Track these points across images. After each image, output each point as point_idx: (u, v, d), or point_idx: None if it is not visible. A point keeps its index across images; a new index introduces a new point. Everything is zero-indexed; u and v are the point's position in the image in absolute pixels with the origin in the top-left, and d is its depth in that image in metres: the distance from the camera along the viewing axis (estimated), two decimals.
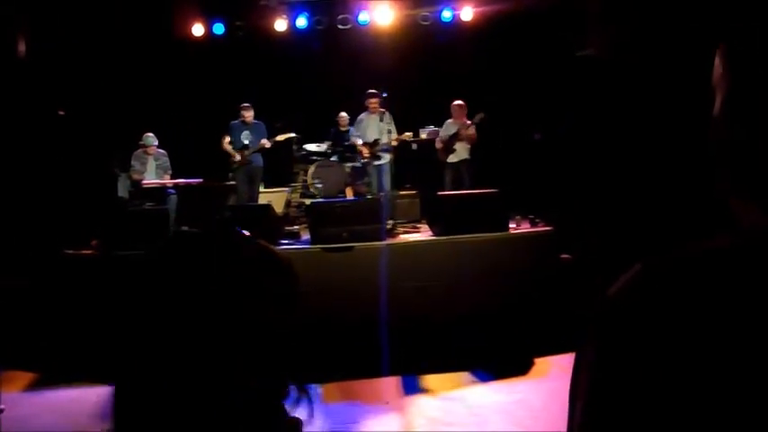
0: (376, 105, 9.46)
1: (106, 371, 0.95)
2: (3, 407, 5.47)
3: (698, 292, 0.66)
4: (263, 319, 0.93)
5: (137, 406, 0.91)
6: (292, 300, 0.97)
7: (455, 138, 9.72)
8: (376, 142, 9.45)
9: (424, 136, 9.55)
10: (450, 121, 9.90)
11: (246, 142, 9.71)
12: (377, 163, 9.55)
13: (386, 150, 9.48)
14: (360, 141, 9.64)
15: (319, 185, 10.17)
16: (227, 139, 9.81)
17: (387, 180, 9.59)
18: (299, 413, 0.99)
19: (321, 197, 9.78)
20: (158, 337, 0.91)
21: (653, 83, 6.88)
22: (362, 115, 9.69)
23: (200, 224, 8.18)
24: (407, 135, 9.79)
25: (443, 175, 9.84)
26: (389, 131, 9.39)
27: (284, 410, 0.96)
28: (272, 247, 1.00)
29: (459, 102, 9.85)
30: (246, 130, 9.76)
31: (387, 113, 9.46)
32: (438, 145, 9.87)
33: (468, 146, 9.75)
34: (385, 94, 9.49)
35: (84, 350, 5.82)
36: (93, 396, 5.51)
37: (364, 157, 9.62)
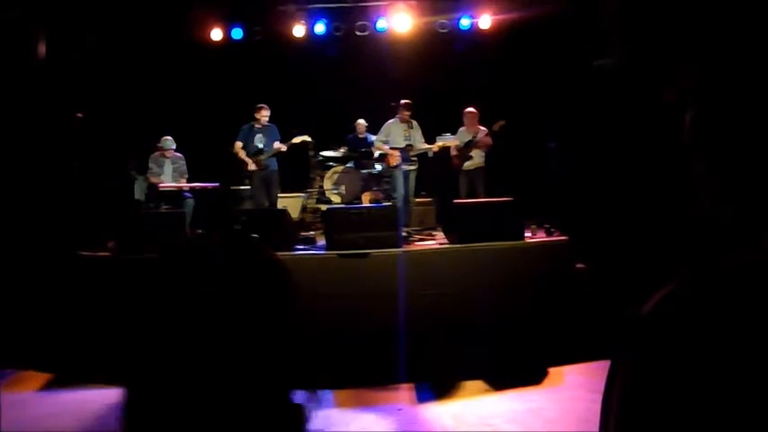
0: (408, 116, 9.44)
1: (119, 372, 0.96)
2: None
3: (733, 310, 0.66)
4: (262, 322, 0.95)
5: (145, 408, 0.92)
6: (285, 307, 0.99)
7: (471, 145, 9.69)
8: (409, 148, 9.39)
9: (441, 143, 9.53)
10: (463, 128, 9.86)
11: (261, 146, 9.49)
12: (406, 168, 9.45)
13: (415, 157, 9.50)
14: (387, 147, 9.52)
15: (336, 191, 10.17)
16: (239, 144, 9.55)
17: (412, 187, 9.57)
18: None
19: (338, 203, 9.77)
20: (162, 339, 0.93)
21: (669, 92, 6.84)
22: (391, 122, 9.60)
23: (216, 228, 8.23)
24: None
25: (458, 183, 9.81)
26: (417, 139, 9.47)
27: (289, 400, 0.97)
28: (273, 254, 1.02)
29: (471, 109, 9.83)
30: (259, 133, 9.53)
31: (414, 122, 9.49)
32: (453, 152, 9.81)
33: (484, 153, 9.73)
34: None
35: (99, 351, 5.84)
36: (108, 397, 5.53)
37: (392, 163, 9.50)
